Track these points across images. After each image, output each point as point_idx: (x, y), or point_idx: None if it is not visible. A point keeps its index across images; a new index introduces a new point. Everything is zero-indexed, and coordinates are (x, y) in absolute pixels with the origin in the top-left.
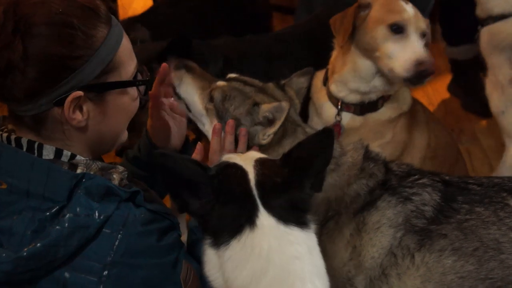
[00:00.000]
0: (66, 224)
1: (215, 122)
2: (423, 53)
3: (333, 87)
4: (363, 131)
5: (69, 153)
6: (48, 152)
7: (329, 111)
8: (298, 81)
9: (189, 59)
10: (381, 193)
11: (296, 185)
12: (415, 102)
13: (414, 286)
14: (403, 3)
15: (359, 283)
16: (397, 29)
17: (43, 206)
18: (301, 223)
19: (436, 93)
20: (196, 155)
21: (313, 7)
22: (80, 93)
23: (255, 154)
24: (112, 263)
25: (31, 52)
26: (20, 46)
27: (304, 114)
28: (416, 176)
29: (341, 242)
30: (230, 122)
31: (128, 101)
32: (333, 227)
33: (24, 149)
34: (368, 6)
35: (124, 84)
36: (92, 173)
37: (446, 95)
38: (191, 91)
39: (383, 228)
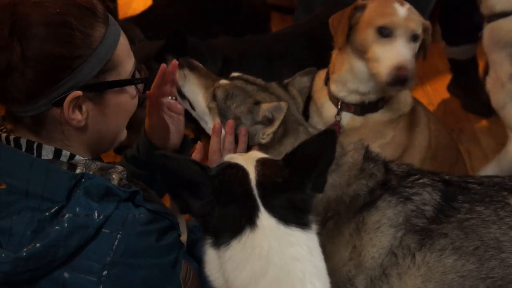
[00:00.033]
0: (66, 224)
1: (218, 120)
2: (404, 58)
3: (333, 87)
4: (363, 132)
5: (68, 153)
6: (47, 152)
7: (329, 111)
8: (301, 81)
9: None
10: (381, 193)
11: (297, 186)
12: (416, 103)
13: (415, 286)
14: (396, 5)
15: (360, 283)
16: (385, 32)
17: (42, 206)
18: (302, 224)
19: (436, 93)
20: (196, 154)
21: (312, 7)
22: (79, 93)
23: (256, 154)
24: (112, 263)
25: (29, 53)
26: (18, 47)
27: (305, 114)
28: (416, 176)
29: (340, 242)
30: (230, 122)
31: (127, 100)
32: (332, 227)
33: (23, 149)
34: (363, 7)
35: (123, 83)
36: (91, 173)
37: (445, 95)
38: (195, 90)
39: (383, 228)
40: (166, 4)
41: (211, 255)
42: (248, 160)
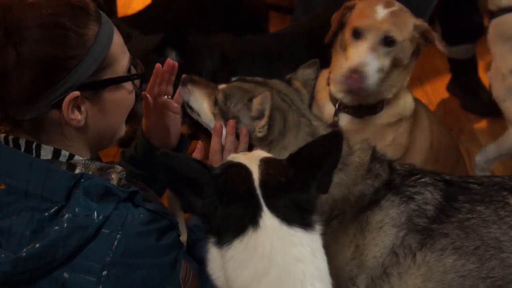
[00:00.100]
0: (65, 225)
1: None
2: (360, 62)
3: (332, 87)
4: (362, 134)
5: (67, 153)
6: (46, 153)
7: (330, 112)
8: (304, 73)
9: (186, 53)
10: (385, 193)
11: (302, 186)
12: (418, 105)
13: (415, 285)
14: (378, 7)
15: (361, 282)
16: (357, 34)
17: (41, 206)
18: (306, 225)
19: (435, 92)
20: (197, 154)
21: (312, 7)
22: (77, 93)
23: (260, 154)
24: (111, 263)
25: (25, 56)
26: (13, 51)
27: None
28: (418, 175)
29: (344, 241)
30: (231, 122)
31: (124, 95)
32: (337, 226)
33: (22, 150)
34: (353, 7)
35: (120, 80)
36: (90, 173)
37: (445, 94)
38: (199, 100)
39: (386, 228)
40: (165, 4)
41: (213, 254)
42: (252, 160)
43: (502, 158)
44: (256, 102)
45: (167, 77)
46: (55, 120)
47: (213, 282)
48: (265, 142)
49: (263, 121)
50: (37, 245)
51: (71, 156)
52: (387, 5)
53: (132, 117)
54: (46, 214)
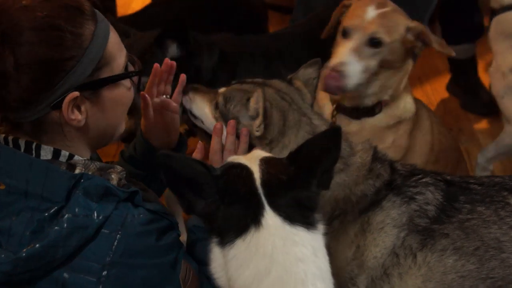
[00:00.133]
0: (65, 225)
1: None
2: (340, 61)
3: None
4: (361, 135)
5: (67, 153)
6: (46, 153)
7: (329, 112)
8: (305, 72)
9: (187, 46)
10: (386, 193)
11: (303, 184)
12: (419, 106)
13: (415, 286)
14: (369, 8)
15: (361, 283)
16: (345, 34)
17: (41, 206)
18: (308, 224)
19: (435, 92)
20: (197, 154)
21: (312, 7)
22: (77, 93)
23: (259, 153)
24: (111, 263)
25: (22, 60)
26: (10, 56)
27: None
28: (420, 176)
29: (345, 241)
30: (231, 122)
31: (123, 93)
32: (338, 226)
33: (22, 150)
34: (348, 7)
35: (118, 78)
36: (90, 173)
37: (445, 94)
38: (201, 106)
39: (387, 228)
40: (164, 3)
41: (216, 253)
42: (252, 160)
43: (500, 157)
44: (252, 102)
45: (165, 77)
46: (55, 121)
47: (215, 282)
48: (265, 141)
49: (258, 119)
50: (37, 245)
51: (71, 156)
52: (379, 6)
53: (132, 111)
54: (46, 214)
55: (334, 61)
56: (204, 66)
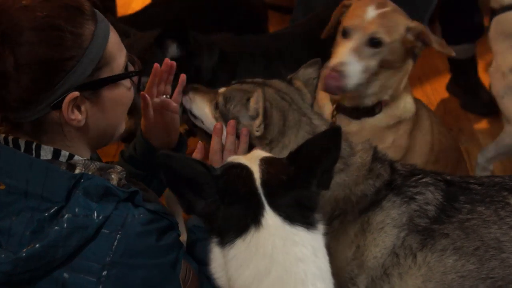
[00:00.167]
0: (65, 225)
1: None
2: (340, 61)
3: None
4: (360, 135)
5: (67, 153)
6: (46, 153)
7: (329, 112)
8: (305, 72)
9: (187, 45)
10: (386, 193)
11: (302, 183)
12: (419, 106)
13: (415, 286)
14: (369, 8)
15: (361, 282)
16: (345, 34)
17: (41, 206)
18: (308, 224)
19: (435, 92)
20: (197, 154)
21: (312, 7)
22: (77, 93)
23: (259, 153)
24: (111, 263)
25: (22, 60)
26: (10, 56)
27: None
28: (420, 176)
29: (345, 241)
30: (231, 122)
31: (123, 93)
32: (338, 226)
33: (22, 150)
34: (349, 7)
35: (118, 78)
36: (90, 173)
37: (445, 94)
38: (201, 106)
39: (387, 228)
40: (164, 3)
41: (216, 253)
42: (252, 160)
43: (500, 157)
44: (252, 102)
45: (165, 77)
46: (55, 121)
47: (215, 282)
48: (265, 141)
49: (258, 119)
50: (37, 245)
51: (71, 156)
52: (379, 6)
53: (132, 111)
54: (46, 214)
55: (334, 61)
56: (204, 66)
